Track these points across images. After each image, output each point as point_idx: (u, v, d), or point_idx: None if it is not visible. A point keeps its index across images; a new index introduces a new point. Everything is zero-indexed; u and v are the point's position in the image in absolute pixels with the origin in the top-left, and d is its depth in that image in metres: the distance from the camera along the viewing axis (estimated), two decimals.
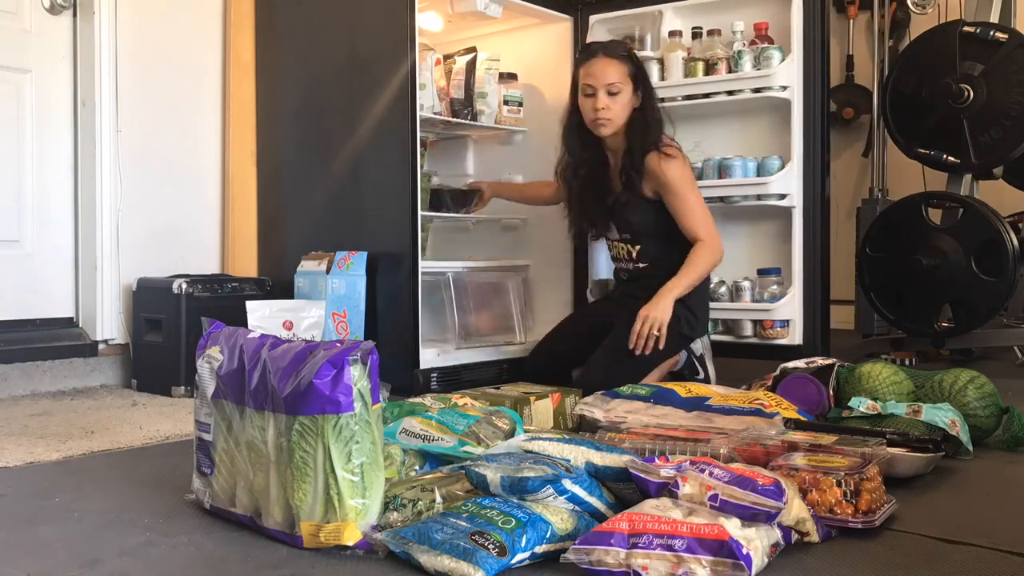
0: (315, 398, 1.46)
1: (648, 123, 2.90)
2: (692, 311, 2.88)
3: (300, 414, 1.47)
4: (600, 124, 2.88)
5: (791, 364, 2.52)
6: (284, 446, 1.49)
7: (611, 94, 2.86)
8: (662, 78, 3.44)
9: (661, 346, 2.75)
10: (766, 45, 3.26)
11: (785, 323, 3.24)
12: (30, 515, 1.68)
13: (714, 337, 3.30)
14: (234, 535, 1.56)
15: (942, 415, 2.09)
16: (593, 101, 2.87)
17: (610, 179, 2.98)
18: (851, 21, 5.27)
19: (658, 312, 2.75)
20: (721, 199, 3.32)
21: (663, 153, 2.85)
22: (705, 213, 2.88)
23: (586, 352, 2.84)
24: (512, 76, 3.63)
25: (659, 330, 2.74)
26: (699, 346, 2.99)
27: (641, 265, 2.97)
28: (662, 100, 3.43)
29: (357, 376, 1.48)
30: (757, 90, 3.26)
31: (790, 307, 3.23)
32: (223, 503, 1.62)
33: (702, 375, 2.98)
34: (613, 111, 2.86)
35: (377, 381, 1.53)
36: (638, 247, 2.96)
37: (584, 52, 2.99)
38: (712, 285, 3.36)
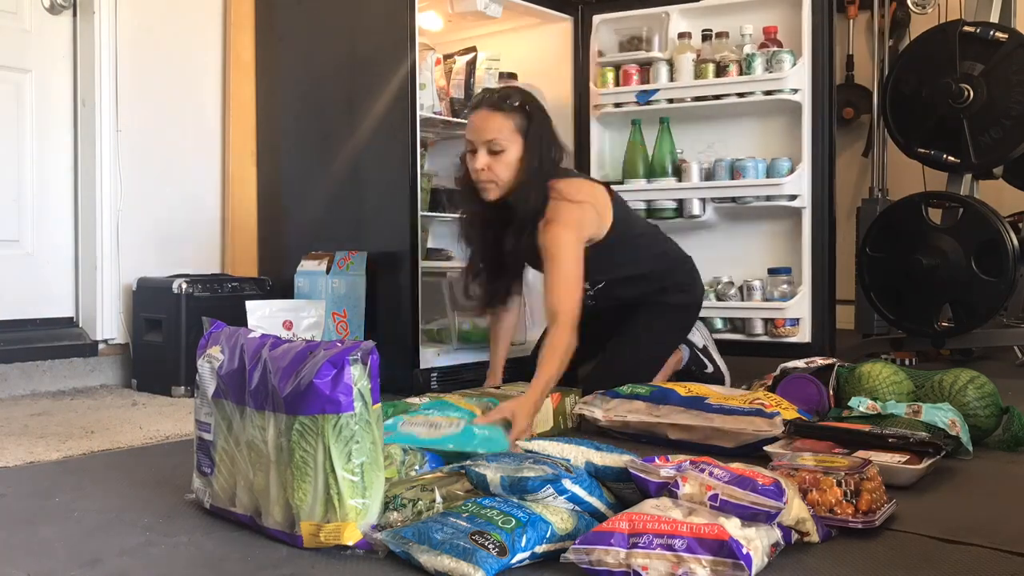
0: (315, 398, 1.46)
1: (535, 185, 2.49)
2: (676, 282, 2.80)
3: (300, 414, 1.47)
4: (483, 187, 2.51)
5: (791, 364, 2.52)
6: (284, 446, 1.49)
7: (492, 152, 2.46)
8: (672, 79, 3.47)
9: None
10: (777, 48, 3.30)
11: (795, 321, 3.30)
12: (30, 515, 1.68)
13: (725, 336, 3.33)
14: (234, 535, 1.55)
15: (942, 415, 2.09)
16: (474, 160, 2.49)
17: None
18: (851, 21, 5.28)
19: (523, 421, 2.15)
20: (733, 199, 3.37)
21: (547, 219, 2.47)
22: (573, 285, 2.43)
23: (586, 347, 2.80)
24: (512, 76, 3.63)
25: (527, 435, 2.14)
26: (698, 338, 2.97)
27: (592, 297, 2.74)
28: (671, 101, 3.46)
29: (357, 376, 1.48)
30: (768, 92, 3.30)
31: (800, 306, 3.29)
32: (223, 503, 1.62)
33: (710, 368, 2.95)
34: (496, 171, 2.47)
35: (377, 381, 1.53)
36: (585, 287, 2.63)
37: (472, 104, 2.62)
38: (722, 285, 3.39)
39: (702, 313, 3.27)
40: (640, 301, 2.80)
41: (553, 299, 2.41)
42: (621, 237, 2.68)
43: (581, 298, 2.45)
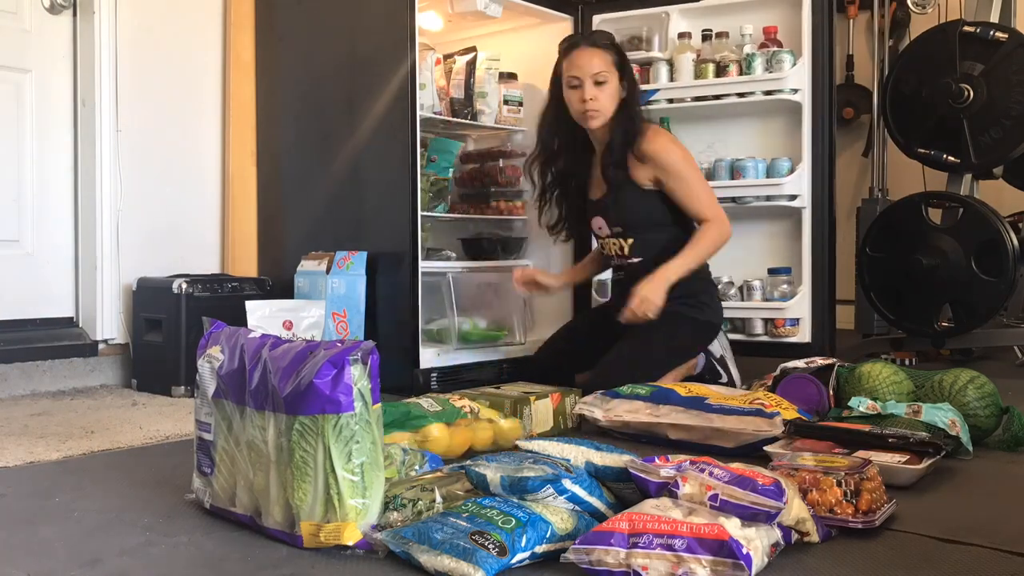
0: (315, 398, 1.46)
1: (635, 113, 2.83)
2: (701, 301, 2.84)
3: (300, 414, 1.47)
4: (590, 116, 2.80)
5: (791, 364, 2.52)
6: (284, 446, 1.49)
7: (598, 84, 2.78)
8: (671, 79, 3.47)
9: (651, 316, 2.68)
10: (777, 48, 3.30)
11: (796, 321, 3.30)
12: (30, 515, 1.68)
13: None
14: (234, 535, 1.55)
15: (942, 415, 2.09)
16: (580, 92, 2.79)
17: (594, 173, 2.94)
18: (851, 21, 5.28)
19: (652, 294, 2.68)
20: (733, 199, 3.37)
21: (650, 136, 2.80)
22: (709, 192, 2.84)
23: (591, 354, 2.80)
24: (512, 76, 3.63)
25: (653, 314, 2.68)
26: (717, 348, 2.96)
27: (634, 260, 2.89)
28: (671, 101, 3.47)
29: (357, 376, 1.48)
30: (768, 92, 3.31)
31: (800, 306, 3.30)
32: (223, 503, 1.62)
33: (725, 379, 2.93)
34: (601, 102, 2.79)
35: (378, 381, 1.53)
36: (630, 241, 2.89)
37: (566, 43, 2.89)
38: (721, 285, 3.38)
39: (729, 315, 3.28)
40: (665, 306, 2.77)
41: (699, 208, 2.80)
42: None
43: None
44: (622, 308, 2.75)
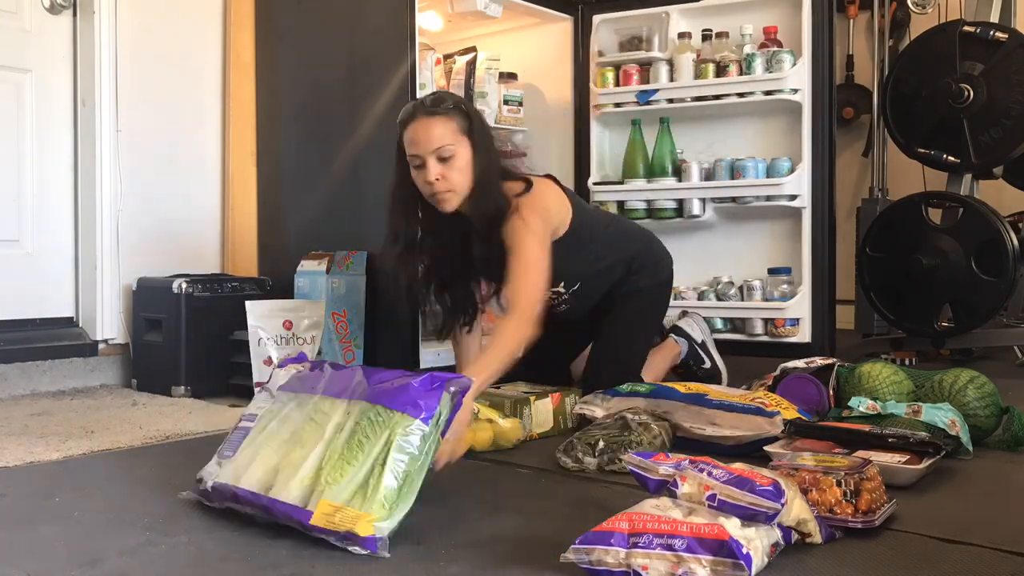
0: (403, 396, 1.53)
1: (491, 185, 2.36)
2: (642, 265, 2.72)
3: (381, 404, 1.53)
4: (442, 200, 2.33)
5: (791, 364, 2.52)
6: (348, 427, 1.55)
7: (442, 160, 2.30)
8: (671, 79, 3.47)
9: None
10: (777, 48, 3.30)
11: (796, 321, 3.30)
12: (30, 515, 1.68)
13: (725, 336, 3.33)
14: (234, 535, 1.56)
15: (942, 415, 2.09)
16: (424, 173, 2.31)
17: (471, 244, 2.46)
18: (851, 21, 5.28)
19: (460, 448, 1.93)
20: (733, 199, 3.37)
21: (511, 216, 2.34)
22: (536, 277, 2.32)
23: (574, 339, 2.81)
24: (512, 76, 3.63)
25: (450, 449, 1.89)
26: (697, 332, 2.98)
27: (572, 292, 2.68)
28: (671, 100, 3.46)
29: (444, 402, 1.55)
30: (768, 92, 3.30)
31: (800, 306, 3.29)
32: (227, 480, 1.63)
33: (708, 364, 2.96)
34: (452, 179, 2.31)
35: (452, 420, 1.60)
36: (561, 284, 2.62)
37: (402, 116, 2.38)
38: (722, 285, 3.39)
39: (703, 311, 3.28)
40: (613, 291, 2.70)
41: (512, 289, 2.28)
42: (584, 226, 2.58)
43: (544, 296, 2.35)
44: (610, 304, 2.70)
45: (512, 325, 2.21)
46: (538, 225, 2.37)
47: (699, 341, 2.98)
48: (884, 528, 1.57)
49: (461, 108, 2.36)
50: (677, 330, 3.03)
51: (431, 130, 2.30)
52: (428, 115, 2.31)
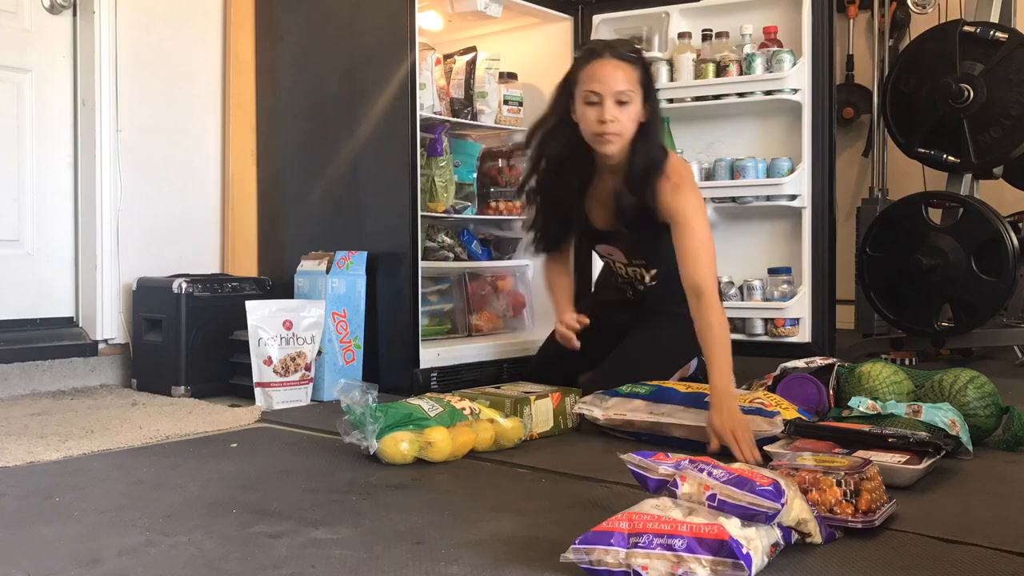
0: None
1: (656, 140, 2.49)
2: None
3: None
4: (607, 139, 2.42)
5: (791, 364, 2.52)
6: None
7: (620, 103, 2.39)
8: (671, 79, 3.47)
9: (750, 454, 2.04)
10: (777, 48, 3.31)
11: (796, 321, 3.31)
12: (30, 515, 1.68)
13: None
14: (234, 535, 1.56)
15: (942, 415, 2.09)
16: (598, 111, 2.40)
17: (595, 196, 2.63)
18: (851, 21, 5.28)
19: (736, 422, 2.11)
20: (733, 199, 3.38)
21: (674, 182, 2.45)
22: (712, 255, 2.41)
23: (590, 353, 2.78)
24: (512, 76, 3.64)
25: (745, 435, 2.09)
26: None
27: (652, 284, 2.77)
28: (671, 100, 3.47)
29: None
30: (768, 92, 3.31)
31: (800, 306, 3.30)
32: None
33: None
34: (622, 124, 2.40)
35: None
36: (654, 271, 2.72)
37: (588, 51, 2.50)
38: (722, 285, 3.38)
39: (729, 315, 3.25)
40: (666, 307, 2.71)
41: (696, 271, 2.34)
42: None
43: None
44: (642, 317, 2.75)
45: (712, 311, 2.30)
46: (702, 203, 2.50)
47: None
48: (884, 528, 1.57)
49: (643, 61, 2.49)
50: None
51: (617, 72, 2.40)
52: (617, 57, 2.42)
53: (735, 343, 3.27)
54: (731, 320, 3.35)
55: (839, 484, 1.56)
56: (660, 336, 2.73)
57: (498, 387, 2.54)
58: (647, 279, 2.76)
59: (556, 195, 2.65)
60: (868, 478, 1.59)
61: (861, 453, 1.82)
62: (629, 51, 2.46)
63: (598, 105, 2.40)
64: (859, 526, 1.53)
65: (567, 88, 2.51)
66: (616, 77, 2.40)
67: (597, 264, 3.24)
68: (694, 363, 2.93)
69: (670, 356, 2.74)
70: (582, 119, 2.46)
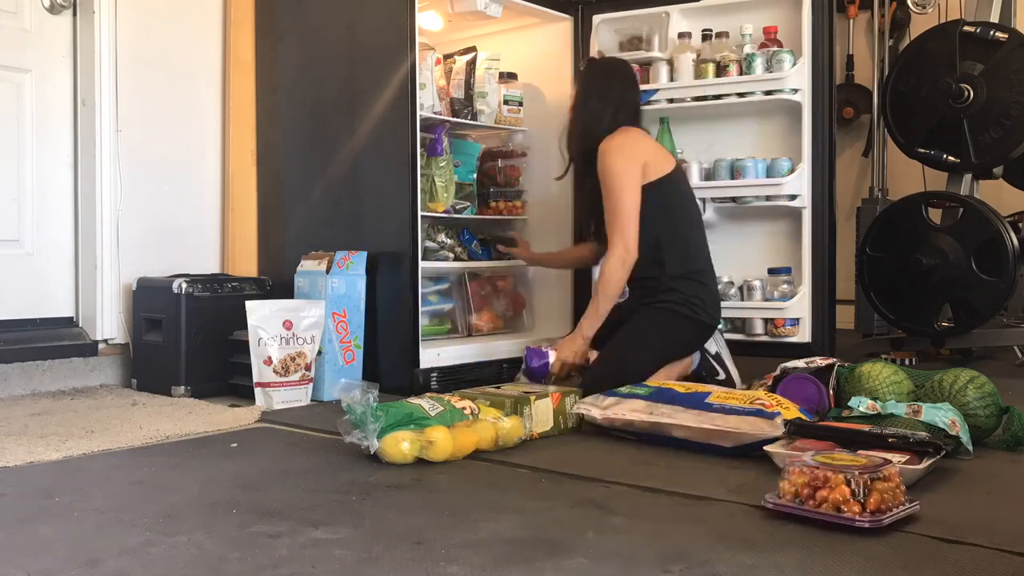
0: None
1: (585, 129, 2.97)
2: (688, 296, 2.82)
3: None
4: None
5: (791, 364, 2.52)
6: None
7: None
8: (671, 79, 3.47)
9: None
10: (777, 48, 3.30)
11: (796, 321, 3.30)
12: (30, 515, 1.68)
13: (726, 336, 3.32)
14: (234, 535, 1.56)
15: (942, 415, 2.08)
16: None
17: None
18: (851, 21, 5.28)
19: (567, 354, 2.81)
20: (733, 199, 3.37)
21: (603, 148, 2.85)
22: (628, 212, 2.78)
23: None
24: (512, 76, 3.63)
25: (573, 369, 2.80)
26: (712, 345, 2.97)
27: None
28: (671, 100, 3.47)
29: None
30: (768, 92, 3.30)
31: (800, 306, 3.29)
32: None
33: (722, 376, 2.94)
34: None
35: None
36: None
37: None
38: (721, 285, 3.38)
39: (729, 315, 3.28)
40: (642, 298, 2.84)
41: (609, 230, 2.79)
42: (670, 197, 2.88)
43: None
44: (623, 313, 2.87)
45: (611, 264, 2.78)
46: (626, 159, 2.82)
47: (713, 352, 2.96)
48: (884, 528, 1.57)
49: (584, 68, 3.15)
50: None
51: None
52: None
53: (736, 343, 3.32)
54: (731, 320, 3.38)
55: (848, 483, 1.55)
56: (648, 334, 2.79)
57: (498, 387, 2.54)
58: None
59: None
60: (883, 478, 1.58)
61: (862, 453, 1.82)
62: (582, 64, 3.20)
63: None
64: (866, 525, 1.53)
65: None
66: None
67: None
68: (696, 360, 2.94)
69: (654, 354, 2.79)
70: None
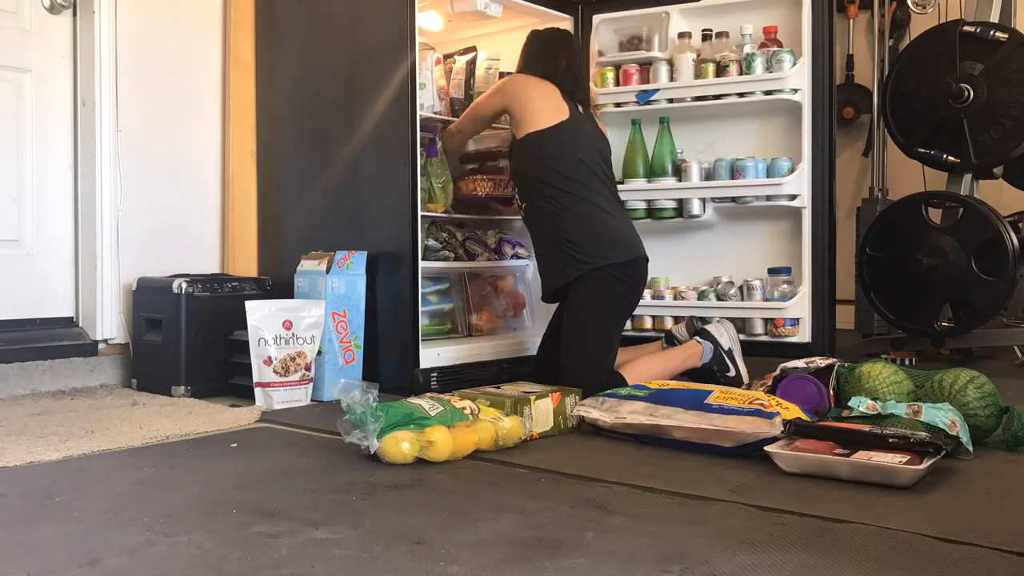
0: None
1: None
2: (573, 256, 2.80)
3: None
4: None
5: (791, 364, 2.52)
6: None
7: None
8: (671, 79, 3.47)
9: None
10: (777, 48, 3.30)
11: (796, 321, 3.30)
12: (30, 515, 1.68)
13: None
14: (234, 535, 1.56)
15: (942, 415, 2.09)
16: None
17: None
18: (851, 21, 5.28)
19: None
20: (733, 199, 3.37)
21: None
22: (469, 116, 3.13)
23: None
24: None
25: None
26: (726, 339, 2.97)
27: (522, 207, 3.00)
28: (671, 100, 3.48)
29: None
30: (768, 92, 3.31)
31: (800, 306, 3.29)
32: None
33: (732, 372, 2.95)
34: None
35: None
36: (524, 204, 2.98)
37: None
38: (722, 285, 3.39)
39: (703, 312, 3.28)
40: (566, 270, 2.83)
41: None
42: (543, 147, 2.88)
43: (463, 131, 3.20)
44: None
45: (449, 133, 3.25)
46: (500, 93, 3.01)
47: (726, 348, 2.96)
48: (884, 528, 1.57)
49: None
50: (704, 334, 3.01)
51: None
52: None
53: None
54: (731, 320, 3.37)
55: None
56: (580, 319, 2.80)
57: (498, 387, 2.54)
58: (521, 213, 3.02)
59: None
60: None
61: (861, 453, 1.82)
62: None
63: None
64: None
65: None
66: None
67: None
68: (708, 352, 2.93)
69: (601, 327, 2.79)
70: None
